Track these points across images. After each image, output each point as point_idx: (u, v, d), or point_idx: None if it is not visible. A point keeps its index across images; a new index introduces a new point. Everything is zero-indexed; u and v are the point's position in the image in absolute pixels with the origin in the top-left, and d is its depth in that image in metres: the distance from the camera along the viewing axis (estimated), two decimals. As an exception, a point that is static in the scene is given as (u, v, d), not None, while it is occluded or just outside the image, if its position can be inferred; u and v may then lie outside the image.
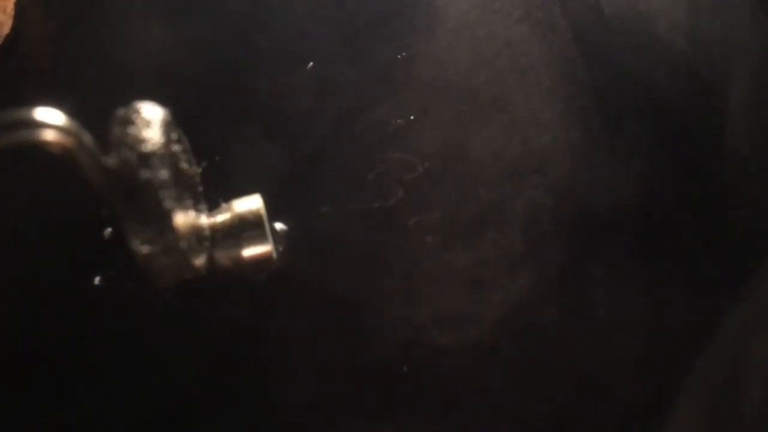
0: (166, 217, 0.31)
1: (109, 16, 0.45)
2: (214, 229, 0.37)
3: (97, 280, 0.40)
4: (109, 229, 0.40)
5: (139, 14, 0.45)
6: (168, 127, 0.32)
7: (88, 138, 0.29)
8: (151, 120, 0.31)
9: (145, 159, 0.30)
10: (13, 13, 0.44)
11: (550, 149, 0.44)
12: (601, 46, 0.45)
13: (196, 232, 0.35)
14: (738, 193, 0.43)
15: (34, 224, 0.41)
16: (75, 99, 0.32)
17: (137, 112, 0.31)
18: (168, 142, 0.32)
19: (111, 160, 0.30)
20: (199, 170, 0.37)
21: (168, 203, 0.31)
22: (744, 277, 0.39)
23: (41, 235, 0.41)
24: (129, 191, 0.30)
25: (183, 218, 0.32)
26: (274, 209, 0.38)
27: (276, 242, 0.39)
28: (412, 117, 0.44)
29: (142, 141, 0.30)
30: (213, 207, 0.38)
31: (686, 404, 0.37)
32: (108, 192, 0.30)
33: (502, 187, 0.44)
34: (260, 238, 0.37)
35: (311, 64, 0.45)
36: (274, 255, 0.38)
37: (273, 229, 0.40)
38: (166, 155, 0.31)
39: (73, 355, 0.41)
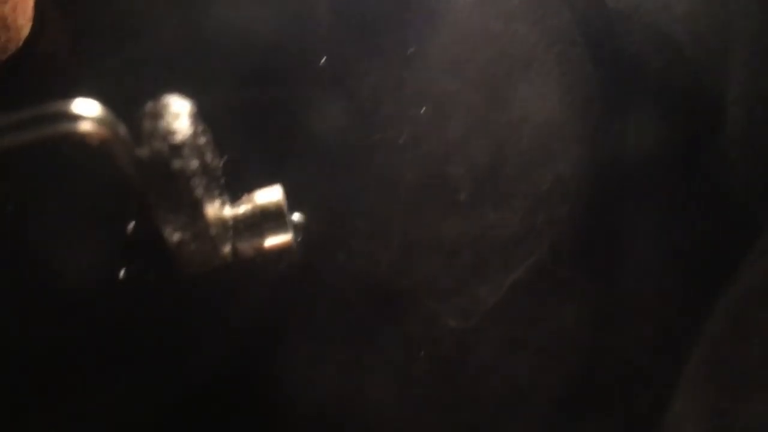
0: (197, 206, 0.32)
1: (126, 16, 0.46)
2: (237, 220, 0.38)
3: (121, 271, 0.41)
4: (133, 222, 0.41)
5: (156, 12, 0.47)
6: (195, 119, 0.33)
7: (123, 129, 0.30)
8: (180, 112, 0.32)
9: (177, 149, 0.31)
10: (32, 15, 0.45)
11: (554, 137, 0.46)
12: (604, 37, 0.47)
13: (222, 221, 0.36)
14: (738, 175, 0.44)
15: (61, 214, 0.42)
16: (92, 96, 0.33)
17: (167, 104, 0.32)
18: (196, 133, 0.33)
19: (143, 151, 0.31)
20: (222, 162, 0.38)
21: (199, 192, 0.32)
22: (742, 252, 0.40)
23: (66, 226, 0.42)
24: (162, 181, 0.31)
25: (211, 207, 0.34)
26: (291, 200, 0.40)
27: (295, 232, 0.40)
28: (423, 109, 0.46)
29: (173, 132, 0.31)
30: (233, 198, 0.39)
31: (694, 369, 0.38)
32: (141, 182, 0.31)
33: (507, 175, 0.45)
34: (281, 228, 0.39)
35: (325, 58, 0.46)
36: (294, 245, 0.40)
37: (291, 220, 0.41)
38: (195, 146, 0.32)
39: (91, 346, 0.42)
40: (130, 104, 0.33)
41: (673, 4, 0.47)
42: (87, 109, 0.29)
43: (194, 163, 0.32)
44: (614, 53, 0.47)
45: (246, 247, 0.39)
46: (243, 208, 0.38)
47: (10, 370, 0.41)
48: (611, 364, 0.43)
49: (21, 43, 0.44)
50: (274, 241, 0.39)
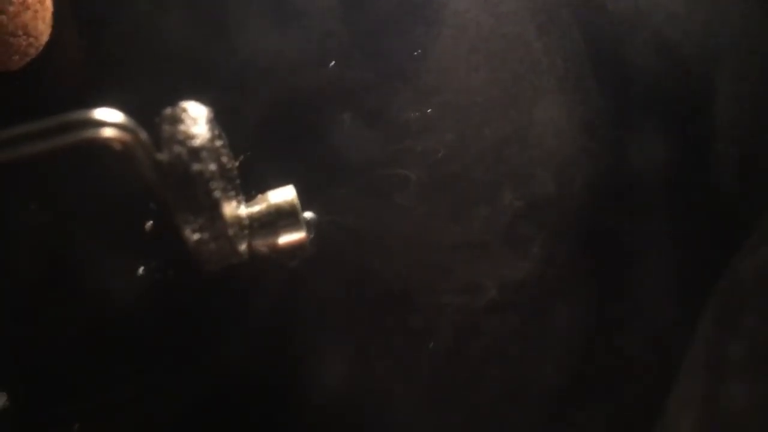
0: (215, 207, 0.33)
1: (141, 21, 0.48)
2: (252, 218, 0.39)
3: (141, 269, 0.42)
4: (150, 222, 0.42)
5: (168, 19, 0.48)
6: (212, 123, 0.35)
7: (144, 135, 0.32)
8: (197, 117, 0.34)
9: (196, 153, 0.32)
10: (51, 22, 0.46)
11: (554, 135, 0.47)
12: (603, 38, 0.48)
13: (238, 221, 0.38)
14: (728, 174, 0.46)
15: (84, 216, 0.44)
16: (109, 100, 0.34)
17: (185, 110, 0.34)
18: (213, 137, 0.34)
19: (163, 155, 0.33)
20: (237, 164, 0.39)
21: (217, 193, 0.33)
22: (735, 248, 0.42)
23: (89, 227, 0.44)
24: (182, 183, 0.32)
25: (228, 208, 0.35)
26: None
27: (307, 230, 0.41)
28: (429, 110, 0.47)
29: (192, 137, 0.33)
30: (246, 198, 0.41)
31: (691, 359, 0.39)
32: (162, 184, 0.32)
33: (509, 176, 0.46)
34: (295, 227, 0.40)
35: (333, 62, 0.47)
36: (307, 242, 0.41)
37: (305, 218, 0.43)
38: (212, 149, 0.34)
39: (109, 342, 0.43)
40: (146, 107, 0.34)
41: (668, 6, 0.48)
42: (110, 117, 0.30)
43: (212, 166, 0.33)
44: (614, 55, 0.48)
45: (261, 244, 0.40)
46: (257, 208, 0.40)
47: (26, 365, 0.43)
48: (615, 354, 0.44)
49: (41, 49, 0.46)
50: (288, 238, 0.40)
